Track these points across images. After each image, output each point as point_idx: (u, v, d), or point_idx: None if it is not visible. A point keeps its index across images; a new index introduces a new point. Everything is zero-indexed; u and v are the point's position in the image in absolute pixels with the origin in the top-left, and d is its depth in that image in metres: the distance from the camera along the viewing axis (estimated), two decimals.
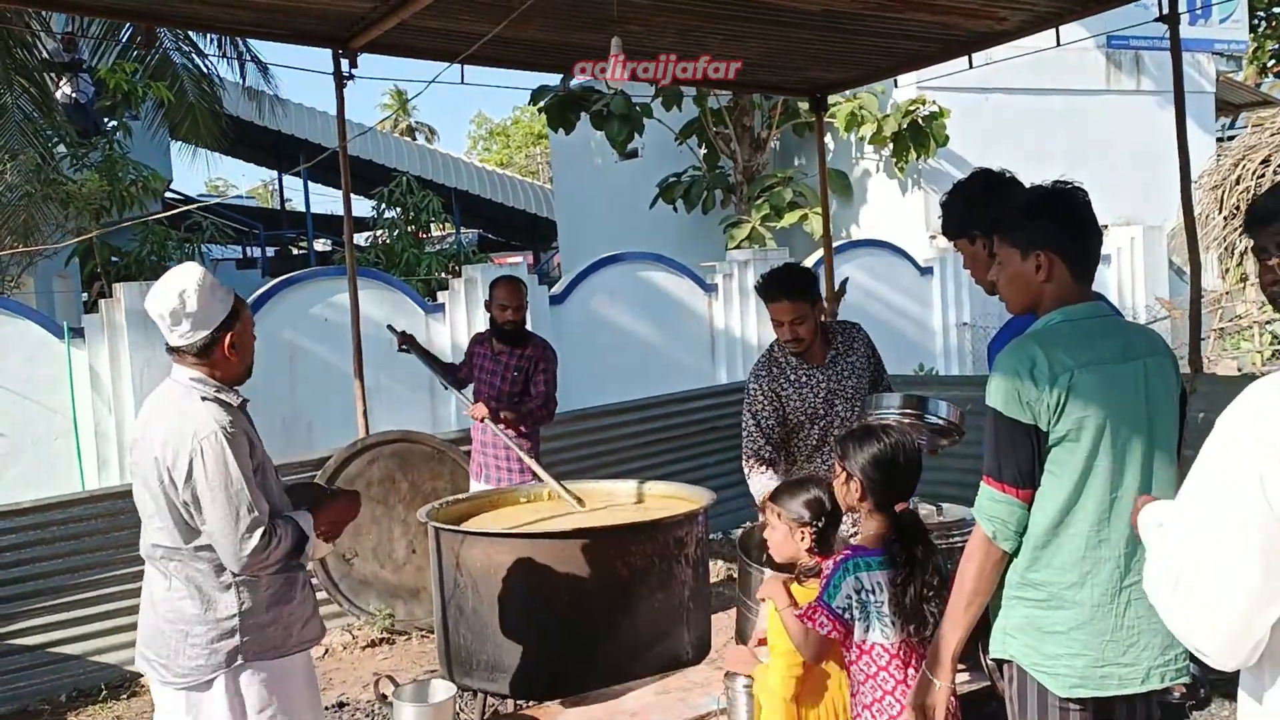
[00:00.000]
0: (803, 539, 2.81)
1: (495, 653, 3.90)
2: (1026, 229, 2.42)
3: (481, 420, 5.06)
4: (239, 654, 2.75)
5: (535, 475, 4.82)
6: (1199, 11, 14.41)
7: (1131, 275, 13.37)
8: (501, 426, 5.04)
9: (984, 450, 2.36)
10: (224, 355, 2.83)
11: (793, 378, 3.98)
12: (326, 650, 5.66)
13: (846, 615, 2.62)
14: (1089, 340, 2.33)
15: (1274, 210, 2.04)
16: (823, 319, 4.03)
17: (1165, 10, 5.43)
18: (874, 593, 2.62)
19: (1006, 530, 2.33)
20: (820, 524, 2.79)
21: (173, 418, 2.74)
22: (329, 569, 5.74)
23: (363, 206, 16.77)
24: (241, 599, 2.76)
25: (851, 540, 2.98)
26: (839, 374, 3.98)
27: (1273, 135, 6.42)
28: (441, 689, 3.13)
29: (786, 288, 3.88)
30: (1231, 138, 15.93)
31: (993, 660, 2.48)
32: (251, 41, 12.22)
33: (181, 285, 2.76)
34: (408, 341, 5.40)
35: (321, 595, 5.76)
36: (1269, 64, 23.40)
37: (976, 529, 2.38)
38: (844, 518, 2.97)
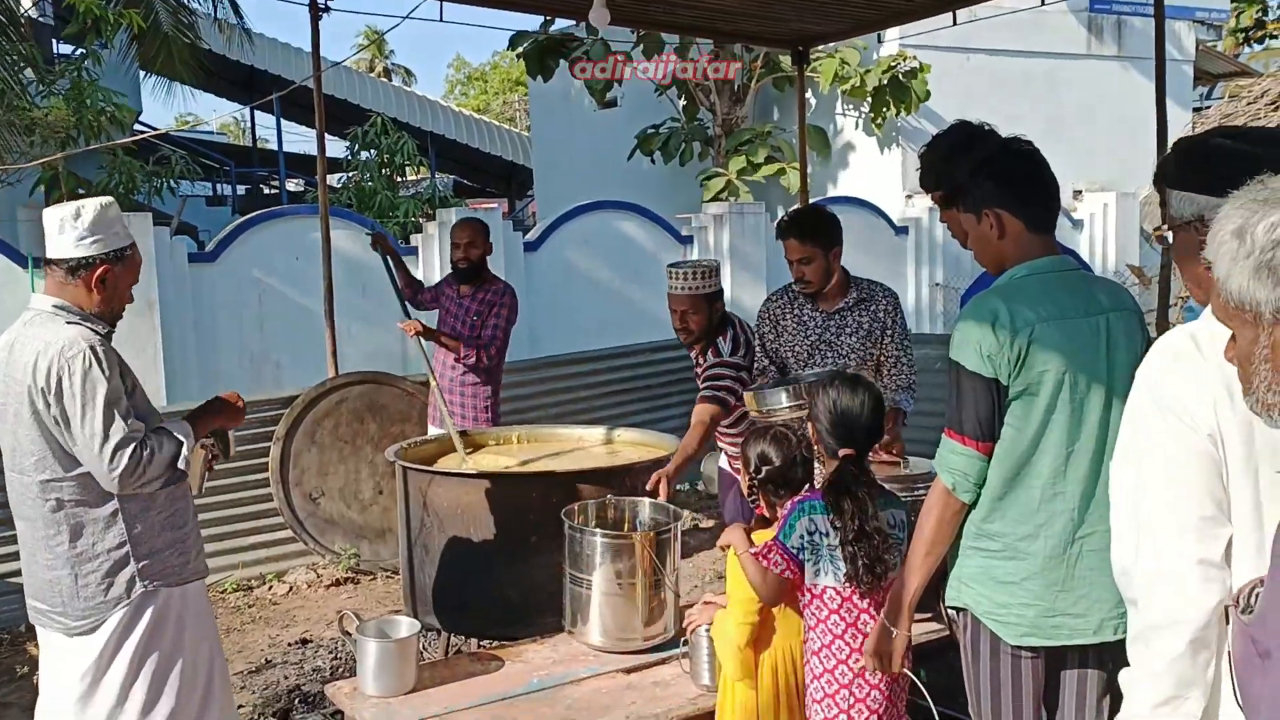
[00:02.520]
0: (746, 483, 2.86)
1: (460, 592, 3.92)
2: (974, 192, 2.46)
3: (414, 335, 4.98)
4: (137, 582, 2.74)
5: (446, 422, 4.73)
6: None
7: (1103, 241, 13.45)
8: (446, 360, 5.06)
9: (946, 403, 2.39)
10: (91, 285, 2.76)
11: (795, 312, 4.04)
12: (291, 588, 5.67)
13: (800, 556, 2.64)
14: (1052, 294, 2.35)
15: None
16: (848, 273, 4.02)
17: None
18: (826, 535, 2.63)
19: (966, 482, 2.36)
20: (759, 476, 2.81)
21: (38, 341, 2.69)
22: (295, 507, 5.74)
23: (336, 147, 16.55)
24: (131, 525, 2.75)
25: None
26: (838, 326, 3.96)
27: (1249, 104, 6.45)
28: (405, 625, 3.14)
29: (796, 227, 3.94)
30: (1208, 107, 15.98)
31: (949, 609, 2.52)
32: None
33: (84, 204, 2.76)
34: (380, 242, 5.30)
35: (286, 534, 5.77)
36: (1249, 33, 23.44)
37: (937, 481, 2.41)
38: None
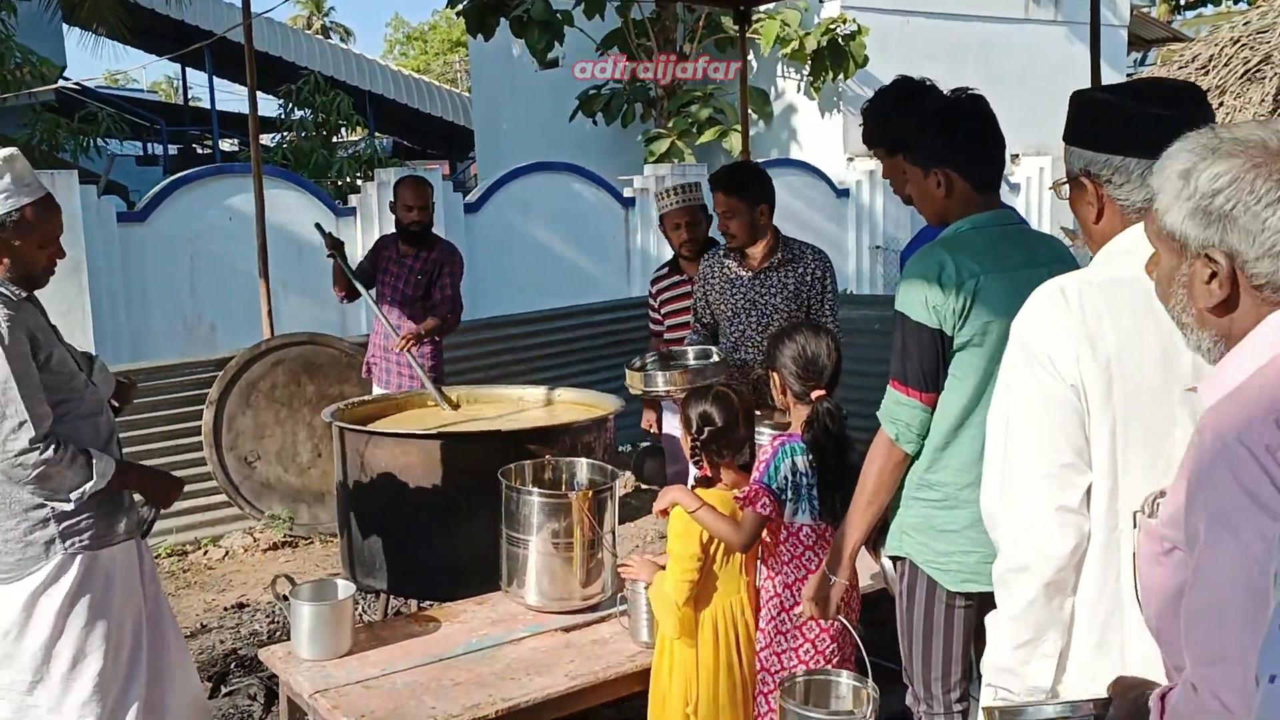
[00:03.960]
0: (688, 443, 2.86)
1: (398, 554, 3.90)
2: (924, 148, 2.47)
3: (404, 349, 4.87)
4: (56, 543, 2.66)
5: (422, 382, 4.75)
6: None
7: (1039, 204, 13.65)
8: (392, 320, 5.00)
9: (891, 355, 2.41)
10: None
11: (722, 271, 4.05)
12: (227, 552, 5.60)
13: (782, 496, 2.74)
14: (995, 247, 2.37)
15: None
16: (779, 233, 4.04)
17: None
18: (807, 475, 2.74)
19: (909, 433, 2.39)
20: (702, 437, 2.82)
21: None
22: (229, 471, 5.65)
23: (271, 106, 16.18)
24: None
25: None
26: (763, 285, 3.97)
27: (1180, 69, 6.57)
28: (342, 588, 3.11)
29: (722, 181, 3.97)
30: (1142, 72, 16.23)
31: (888, 558, 2.56)
32: None
33: None
34: (336, 248, 5.08)
35: (221, 498, 5.68)
36: (1179, 1, 23.83)
37: (880, 431, 2.44)
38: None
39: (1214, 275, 1.33)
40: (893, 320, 2.41)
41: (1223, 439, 1.22)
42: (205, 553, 5.59)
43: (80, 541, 2.71)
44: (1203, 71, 6.21)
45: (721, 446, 2.85)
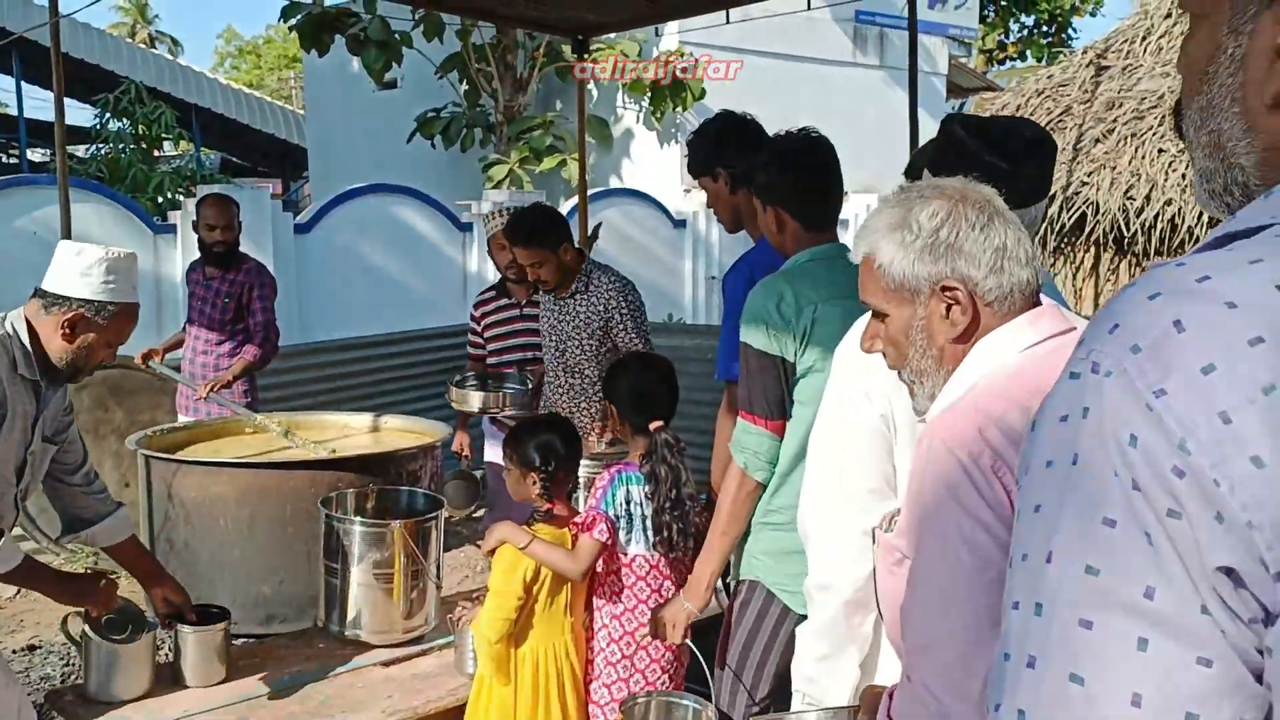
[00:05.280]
0: (534, 484, 2.78)
1: (208, 588, 3.70)
2: (763, 185, 2.54)
3: (204, 397, 4.64)
4: None
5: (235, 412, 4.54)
6: None
7: None
8: (198, 344, 4.78)
9: (739, 385, 2.45)
10: (57, 325, 2.53)
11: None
12: (18, 590, 5.20)
13: (618, 524, 2.74)
14: (834, 276, 2.44)
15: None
16: (582, 256, 4.05)
17: None
18: (641, 505, 2.75)
19: (758, 461, 2.42)
20: (550, 468, 2.77)
21: None
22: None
23: (86, 115, 15.33)
24: None
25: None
26: (568, 313, 3.98)
27: (991, 118, 7.08)
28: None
29: (520, 234, 3.91)
30: None
31: (739, 580, 2.59)
32: None
33: (105, 250, 2.55)
34: (148, 358, 4.83)
35: (16, 531, 5.27)
36: (994, 51, 25.43)
37: (732, 461, 2.46)
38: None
39: (951, 306, 1.43)
40: (738, 351, 2.45)
41: (935, 449, 1.33)
42: None
43: None
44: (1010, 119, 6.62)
45: (566, 476, 2.82)
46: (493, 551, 2.75)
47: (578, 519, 2.77)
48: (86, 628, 2.87)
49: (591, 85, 13.00)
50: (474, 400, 3.99)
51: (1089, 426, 0.67)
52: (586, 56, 7.31)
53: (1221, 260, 0.68)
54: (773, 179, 2.52)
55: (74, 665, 4.21)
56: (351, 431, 4.59)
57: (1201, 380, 0.64)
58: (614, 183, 13.70)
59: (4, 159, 19.58)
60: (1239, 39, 0.74)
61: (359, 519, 3.17)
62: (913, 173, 2.13)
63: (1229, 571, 0.63)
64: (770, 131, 2.93)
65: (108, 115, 13.30)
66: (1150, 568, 0.64)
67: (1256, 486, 0.62)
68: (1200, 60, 0.76)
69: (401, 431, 4.50)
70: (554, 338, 3.96)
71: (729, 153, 3.00)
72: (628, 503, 2.75)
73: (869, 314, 1.73)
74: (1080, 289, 6.09)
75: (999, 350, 1.41)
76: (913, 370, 1.48)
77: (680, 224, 12.21)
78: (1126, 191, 5.77)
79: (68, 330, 2.53)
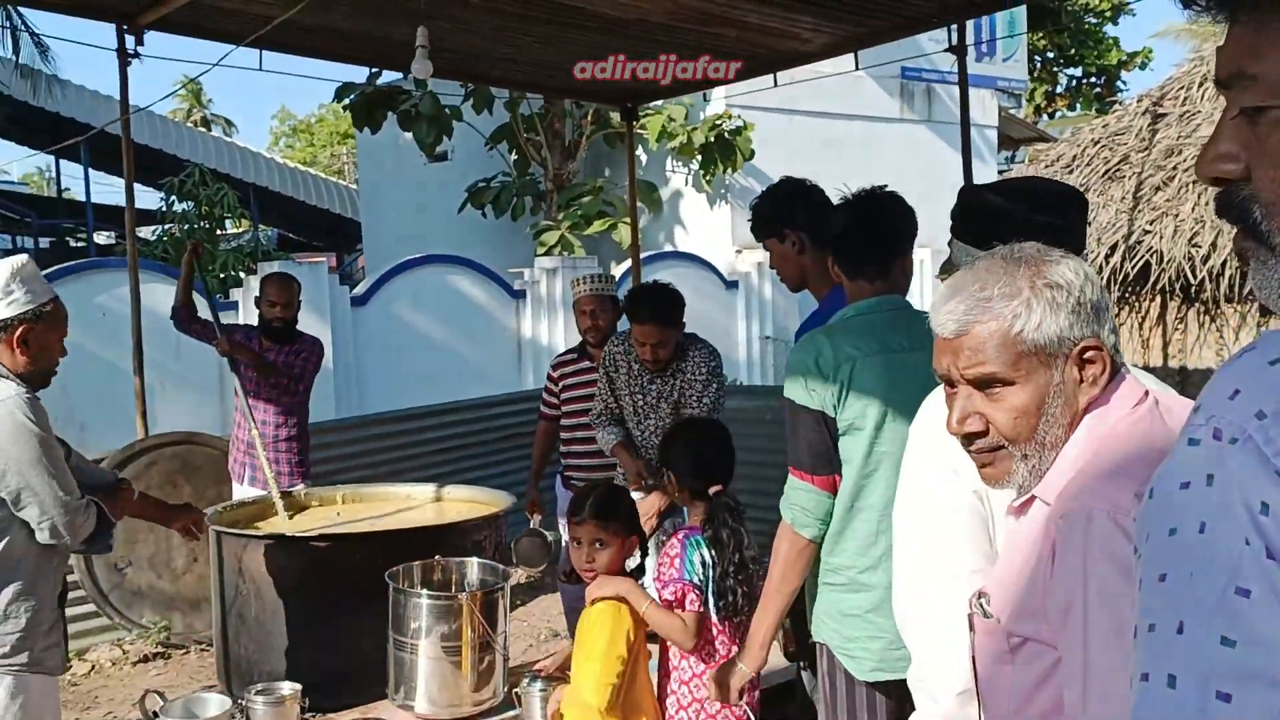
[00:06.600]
0: (635, 548, 2.79)
1: (279, 662, 3.70)
2: (833, 245, 2.57)
3: (224, 354, 4.81)
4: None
5: (269, 478, 4.56)
6: (984, 49, 15.41)
7: (920, 294, 14.13)
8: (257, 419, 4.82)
9: (787, 443, 2.43)
10: (11, 345, 2.75)
11: (627, 373, 4.08)
12: (93, 667, 5.25)
13: (700, 590, 2.71)
14: (876, 330, 2.43)
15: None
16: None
17: (954, 42, 5.75)
18: (711, 568, 2.72)
19: (806, 517, 2.39)
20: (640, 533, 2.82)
21: None
22: (98, 579, 5.34)
23: (151, 198, 15.81)
24: (27, 607, 2.72)
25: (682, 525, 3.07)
26: (665, 389, 4.01)
27: (1046, 167, 6.98)
28: (215, 703, 2.93)
29: (647, 313, 3.88)
30: (1011, 169, 17.11)
31: (813, 641, 2.55)
32: (27, 12, 11.31)
33: (9, 265, 2.76)
34: (195, 251, 5.05)
35: (89, 608, 5.35)
36: (1042, 104, 25.39)
37: (783, 519, 2.44)
38: None
39: (1089, 364, 1.37)
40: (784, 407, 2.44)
41: (1097, 522, 1.24)
42: (70, 667, 5.23)
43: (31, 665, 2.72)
44: (1067, 170, 6.56)
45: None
46: (594, 601, 2.70)
47: (668, 594, 2.71)
48: (159, 704, 2.88)
49: (640, 150, 13.16)
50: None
51: (1215, 494, 0.66)
52: (635, 124, 7.42)
53: None
54: (840, 241, 2.55)
55: None
56: (414, 502, 4.60)
57: None
58: (665, 246, 13.80)
59: (71, 243, 20.21)
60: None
61: (426, 591, 3.17)
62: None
63: None
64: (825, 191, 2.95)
65: (173, 198, 13.71)
66: None
67: None
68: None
69: (465, 501, 4.51)
70: (655, 406, 3.99)
71: (796, 214, 3.03)
72: (702, 565, 2.72)
73: (940, 390, 1.63)
74: (1148, 339, 5.97)
75: (1109, 415, 1.36)
76: (1038, 443, 1.38)
77: (733, 285, 12.24)
78: (1191, 239, 5.67)
79: (22, 346, 2.76)
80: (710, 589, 2.73)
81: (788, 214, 3.06)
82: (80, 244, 19.43)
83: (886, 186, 2.61)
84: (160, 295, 7.70)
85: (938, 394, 1.84)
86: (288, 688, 2.97)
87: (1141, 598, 0.70)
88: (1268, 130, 0.76)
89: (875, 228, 2.55)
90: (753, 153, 13.05)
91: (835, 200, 2.66)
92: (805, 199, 3.08)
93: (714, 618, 2.74)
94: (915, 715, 1.86)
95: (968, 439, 1.44)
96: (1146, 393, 1.39)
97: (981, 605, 1.43)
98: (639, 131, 12.61)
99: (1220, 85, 0.79)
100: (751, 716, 2.66)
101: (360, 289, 9.59)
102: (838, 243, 2.54)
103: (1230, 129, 0.78)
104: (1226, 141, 0.78)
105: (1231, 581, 0.64)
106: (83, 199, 19.12)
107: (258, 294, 5.17)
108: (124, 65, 5.47)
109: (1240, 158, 0.78)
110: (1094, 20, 24.28)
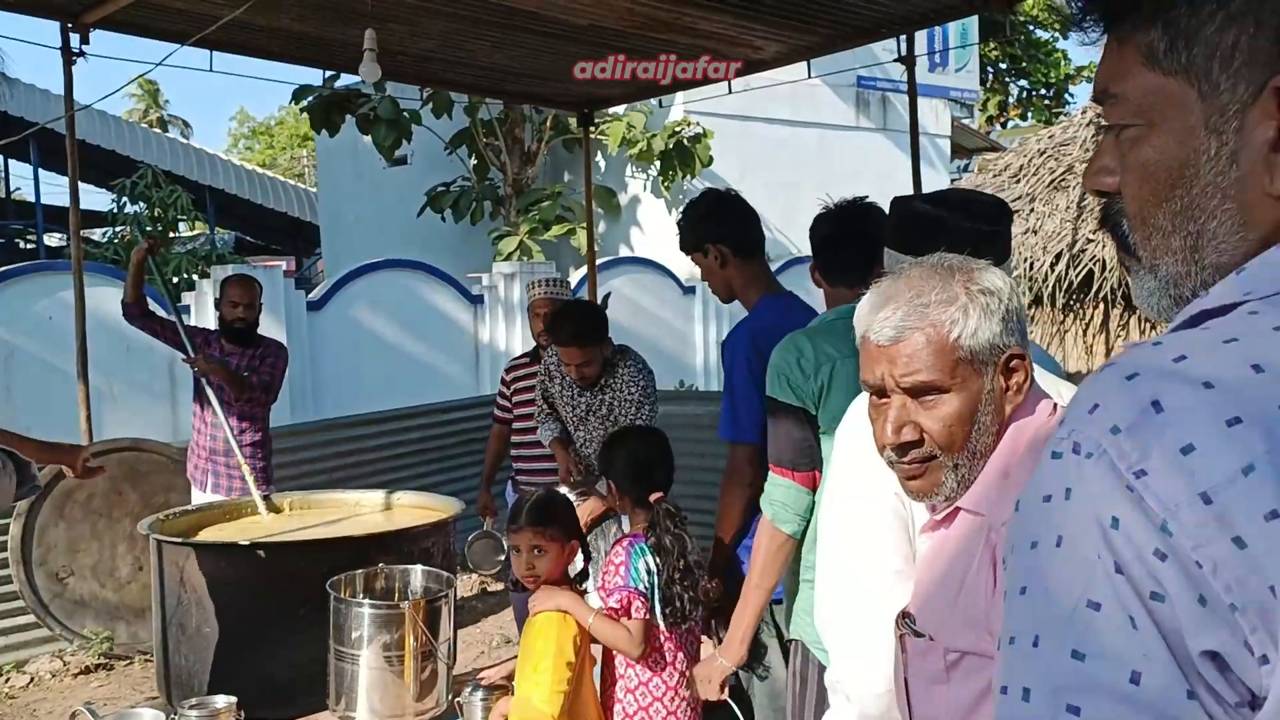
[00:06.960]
0: (577, 554, 2.80)
1: (219, 673, 3.66)
2: (817, 252, 2.63)
3: (200, 372, 4.78)
4: None
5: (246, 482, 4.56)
6: (937, 60, 15.58)
7: None
8: (232, 428, 4.76)
9: (768, 439, 2.47)
10: None
11: (560, 384, 4.11)
12: (32, 679, 5.15)
13: (646, 597, 2.71)
14: (854, 334, 2.45)
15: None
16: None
17: (904, 52, 5.81)
18: (656, 574, 2.73)
19: (785, 512, 2.41)
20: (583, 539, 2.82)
21: None
22: (38, 589, 5.24)
23: (101, 199, 15.59)
24: None
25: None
26: (595, 406, 4.03)
27: (995, 176, 7.09)
28: (148, 718, 2.89)
29: (568, 334, 3.90)
30: (961, 178, 17.29)
31: (789, 639, 2.55)
32: None
33: None
34: (154, 249, 4.99)
35: (29, 619, 5.25)
36: (995, 114, 25.72)
37: (762, 515, 2.46)
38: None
39: (1014, 373, 1.40)
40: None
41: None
42: (8, 680, 5.13)
43: None
44: (1014, 179, 6.66)
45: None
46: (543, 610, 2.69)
47: (613, 603, 2.70)
48: None
49: (599, 156, 13.17)
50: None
51: (1071, 508, 0.67)
52: (593, 129, 7.42)
53: (1197, 339, 0.68)
54: (820, 252, 2.61)
55: None
56: (363, 509, 4.57)
57: (1181, 461, 0.63)
58: (623, 251, 13.80)
59: (22, 245, 19.86)
60: (1223, 138, 0.73)
61: (368, 600, 3.14)
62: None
63: (1213, 655, 0.62)
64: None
65: (124, 199, 13.51)
66: (1135, 652, 0.63)
67: (1239, 568, 0.61)
68: (1169, 167, 0.76)
69: (415, 508, 4.48)
70: (586, 419, 4.02)
71: (717, 228, 3.04)
72: (648, 573, 2.73)
73: (865, 397, 1.64)
74: (1091, 345, 6.06)
75: (1029, 426, 1.37)
76: (969, 452, 1.38)
77: (690, 290, 12.26)
78: None
79: None
80: (656, 595, 2.74)
81: (708, 229, 3.08)
82: (30, 246, 19.10)
83: (867, 198, 2.66)
84: (109, 298, 7.57)
85: (858, 404, 1.86)
86: (222, 700, 2.93)
87: (1005, 610, 0.71)
88: (1127, 147, 0.79)
89: (860, 237, 2.59)
90: (711, 159, 13.10)
91: (818, 210, 2.70)
92: (727, 211, 3.10)
93: (661, 625, 2.74)
94: (829, 714, 1.86)
95: (901, 449, 1.43)
96: (1055, 405, 1.41)
97: (910, 625, 1.43)
98: (600, 138, 12.62)
99: (1097, 102, 0.82)
100: (733, 706, 2.66)
101: (316, 293, 9.51)
102: (821, 250, 2.59)
103: (1108, 144, 0.81)
104: (1106, 156, 0.81)
105: (1084, 595, 0.65)
106: (33, 200, 18.80)
107: (218, 295, 5.13)
108: (69, 64, 5.39)
109: (1116, 171, 0.80)
110: (1046, 35, 24.66)
